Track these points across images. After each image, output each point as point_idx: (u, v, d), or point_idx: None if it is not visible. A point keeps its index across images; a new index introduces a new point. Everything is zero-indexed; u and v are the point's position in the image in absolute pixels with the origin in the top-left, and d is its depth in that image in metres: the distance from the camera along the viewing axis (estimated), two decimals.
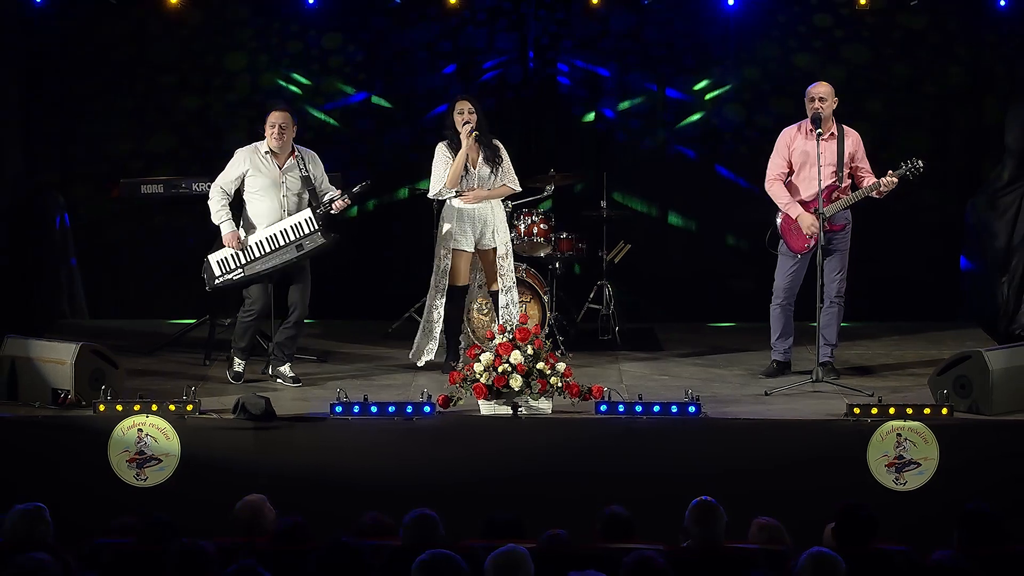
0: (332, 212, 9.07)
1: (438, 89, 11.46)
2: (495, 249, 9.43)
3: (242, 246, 9.04)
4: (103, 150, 11.38)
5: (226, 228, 9.05)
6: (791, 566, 5.66)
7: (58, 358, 8.62)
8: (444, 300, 9.40)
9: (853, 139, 9.28)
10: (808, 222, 9.09)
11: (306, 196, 9.13)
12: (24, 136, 11.08)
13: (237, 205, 9.21)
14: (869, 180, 9.19)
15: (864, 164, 9.28)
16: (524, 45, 11.44)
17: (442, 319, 9.42)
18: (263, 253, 9.05)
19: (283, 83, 11.40)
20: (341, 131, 11.53)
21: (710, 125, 11.53)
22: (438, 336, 9.48)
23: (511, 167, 9.41)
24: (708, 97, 11.48)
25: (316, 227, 9.01)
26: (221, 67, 11.38)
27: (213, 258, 9.14)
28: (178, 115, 11.39)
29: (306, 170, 9.11)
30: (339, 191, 9.13)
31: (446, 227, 9.36)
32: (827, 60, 11.28)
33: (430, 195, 9.45)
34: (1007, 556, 6.04)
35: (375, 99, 11.52)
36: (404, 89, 11.51)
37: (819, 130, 9.07)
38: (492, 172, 9.31)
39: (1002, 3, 10.97)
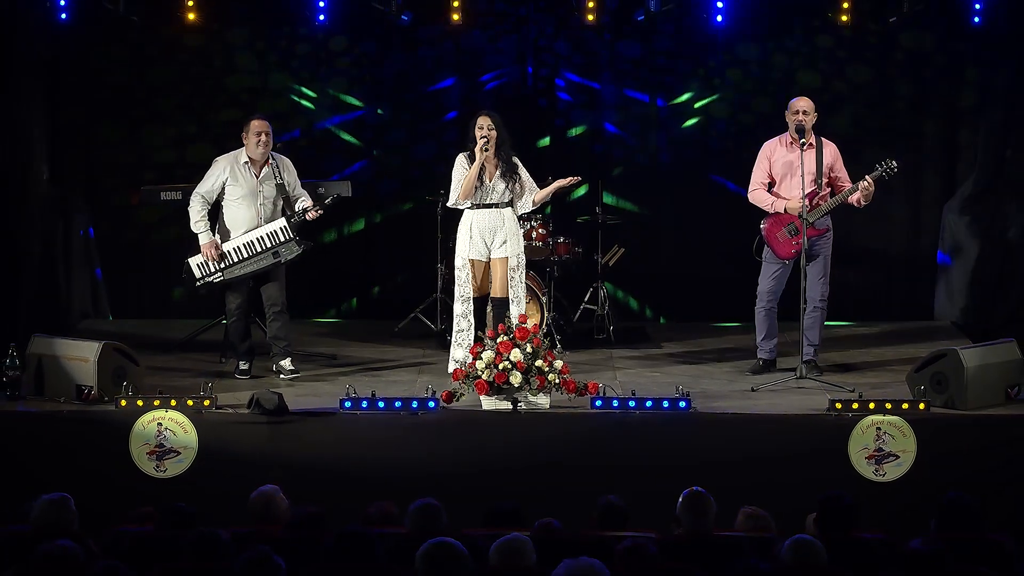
0: (307, 219, 9.11)
1: (442, 98, 11.46)
2: (506, 259, 9.26)
3: (220, 253, 9.09)
4: (125, 159, 11.38)
5: (204, 238, 9.13)
6: (776, 552, 5.66)
7: (82, 356, 8.61)
8: (471, 310, 9.27)
9: (831, 150, 9.29)
10: (796, 206, 9.09)
11: (280, 203, 9.17)
12: (50, 145, 11.07)
13: (214, 210, 9.25)
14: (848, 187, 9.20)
15: (843, 174, 9.29)
16: (523, 52, 11.43)
17: (472, 327, 9.21)
18: (241, 258, 9.12)
19: (296, 84, 11.41)
20: (347, 139, 11.52)
21: (700, 134, 11.53)
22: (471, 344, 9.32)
23: (529, 178, 9.26)
24: (695, 101, 11.49)
25: (291, 236, 9.07)
26: (225, 85, 11.38)
27: (193, 261, 9.19)
28: (189, 126, 11.39)
29: (281, 178, 9.15)
30: (312, 202, 9.16)
31: (460, 237, 9.24)
32: (803, 69, 11.31)
33: (448, 204, 9.36)
34: (981, 542, 6.05)
35: (380, 109, 11.51)
36: (409, 98, 11.50)
37: (803, 140, 9.08)
38: (507, 187, 9.15)
39: (976, 20, 10.98)
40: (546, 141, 11.55)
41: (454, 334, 9.25)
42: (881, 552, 5.95)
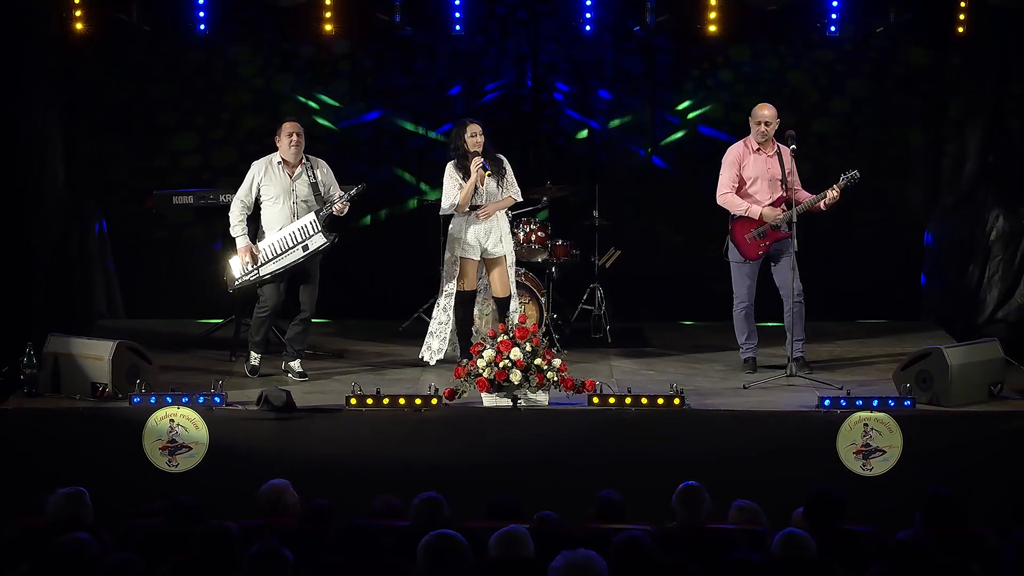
0: (334, 214, 9.09)
1: (443, 105, 11.45)
2: (504, 257, 9.36)
3: (254, 256, 9.08)
4: (139, 163, 11.37)
5: (240, 242, 9.13)
6: (767, 545, 5.67)
7: (97, 355, 8.62)
8: (453, 304, 9.36)
9: (788, 156, 9.29)
10: (771, 214, 9.11)
11: (314, 202, 9.15)
12: (66, 149, 11.07)
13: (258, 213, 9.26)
14: (803, 193, 9.20)
15: (795, 177, 9.29)
16: (522, 58, 11.42)
17: (451, 321, 9.39)
18: (275, 255, 9.09)
19: (301, 90, 11.41)
20: (351, 143, 11.51)
21: (695, 140, 11.53)
22: (448, 336, 9.46)
23: (514, 179, 9.39)
24: (686, 106, 11.49)
25: (318, 228, 9.03)
26: (234, 92, 11.38)
27: (233, 263, 9.18)
28: (201, 132, 11.39)
29: (314, 177, 9.15)
30: (340, 194, 9.15)
31: (454, 236, 9.32)
32: (795, 78, 11.32)
33: (441, 212, 9.40)
34: (965, 535, 6.05)
35: (383, 114, 11.50)
36: (411, 105, 11.49)
37: (794, 146, 9.10)
38: (499, 185, 9.27)
39: (960, 29, 10.97)
40: (538, 147, 11.54)
41: (434, 323, 9.38)
42: (869, 544, 5.96)
